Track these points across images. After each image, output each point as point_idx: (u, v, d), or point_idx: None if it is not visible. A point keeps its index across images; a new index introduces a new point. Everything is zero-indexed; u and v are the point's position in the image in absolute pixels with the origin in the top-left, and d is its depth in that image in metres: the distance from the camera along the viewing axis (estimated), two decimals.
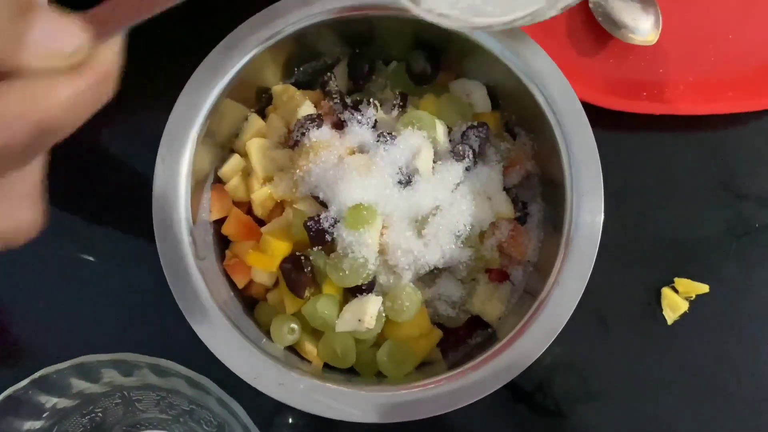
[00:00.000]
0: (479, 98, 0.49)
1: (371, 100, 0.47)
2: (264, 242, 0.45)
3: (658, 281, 0.53)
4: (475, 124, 0.47)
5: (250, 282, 0.47)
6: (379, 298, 0.43)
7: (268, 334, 0.45)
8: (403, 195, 0.44)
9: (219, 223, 0.48)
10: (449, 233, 0.44)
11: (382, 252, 0.44)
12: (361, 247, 0.42)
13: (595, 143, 0.43)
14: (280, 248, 0.44)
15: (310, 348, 0.45)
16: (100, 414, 0.49)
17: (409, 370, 0.44)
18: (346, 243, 0.42)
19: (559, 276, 0.42)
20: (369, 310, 0.42)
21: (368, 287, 0.43)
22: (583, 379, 0.52)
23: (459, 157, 0.46)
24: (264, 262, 0.44)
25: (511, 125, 0.50)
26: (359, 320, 0.42)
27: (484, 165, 0.47)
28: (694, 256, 0.54)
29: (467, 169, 0.46)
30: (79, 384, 0.45)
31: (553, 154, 0.44)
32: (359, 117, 0.45)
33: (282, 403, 0.50)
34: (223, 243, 0.48)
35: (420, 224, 0.44)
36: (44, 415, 0.46)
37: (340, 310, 0.43)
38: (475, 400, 0.41)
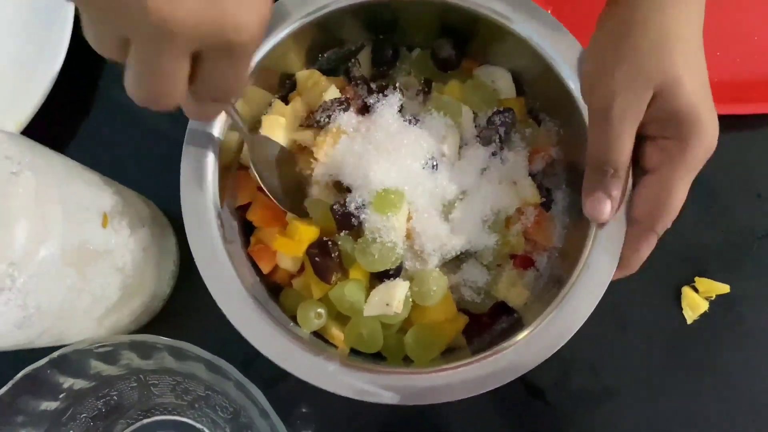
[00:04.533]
0: (504, 84, 0.49)
1: (396, 84, 0.47)
2: (291, 227, 0.45)
3: (679, 280, 0.53)
4: (501, 109, 0.46)
5: (275, 268, 0.46)
6: (406, 283, 0.43)
7: (293, 319, 0.45)
8: (429, 179, 0.44)
9: (243, 209, 0.48)
10: (475, 218, 0.44)
11: (407, 237, 0.44)
12: (389, 231, 0.42)
13: None
14: (306, 233, 0.44)
15: (336, 332, 0.45)
16: (115, 397, 0.49)
17: (435, 355, 0.44)
18: (374, 227, 0.42)
19: (589, 259, 0.41)
20: (397, 295, 0.42)
21: (396, 272, 0.43)
22: (599, 376, 0.52)
23: (485, 141, 0.45)
24: (290, 247, 0.44)
25: (535, 111, 0.50)
26: (387, 304, 0.42)
27: (509, 150, 0.47)
28: (715, 256, 0.53)
29: (493, 154, 0.46)
30: (97, 365, 0.45)
31: (580, 139, 0.43)
32: (385, 101, 0.45)
33: (295, 393, 0.50)
34: (246, 229, 0.48)
35: (446, 209, 0.44)
36: (60, 396, 0.45)
37: (367, 295, 0.43)
38: (504, 383, 0.41)
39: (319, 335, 0.46)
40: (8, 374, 0.41)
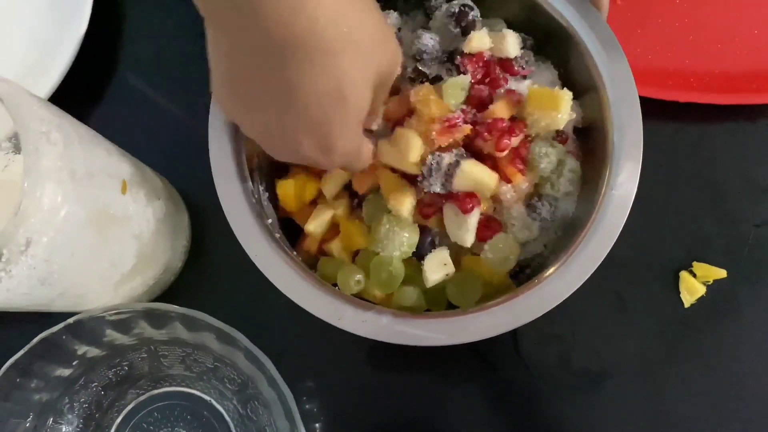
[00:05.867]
0: (499, 27, 0.50)
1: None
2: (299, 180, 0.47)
3: (677, 265, 0.54)
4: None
5: (303, 236, 0.48)
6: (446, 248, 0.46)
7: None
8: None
9: None
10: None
11: None
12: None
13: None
14: (310, 189, 0.47)
15: (378, 293, 0.46)
16: (126, 367, 0.50)
17: (477, 298, 0.45)
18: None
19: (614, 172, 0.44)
20: (445, 256, 0.45)
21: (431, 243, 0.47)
22: (599, 357, 0.53)
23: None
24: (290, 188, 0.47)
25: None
26: (445, 264, 0.45)
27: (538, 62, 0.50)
28: (713, 242, 0.55)
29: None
30: (111, 334, 0.46)
31: (580, 74, 0.47)
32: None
33: (300, 369, 0.52)
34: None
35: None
36: (74, 363, 0.46)
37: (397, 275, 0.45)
38: (552, 308, 0.41)
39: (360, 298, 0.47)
40: (24, 343, 0.43)
